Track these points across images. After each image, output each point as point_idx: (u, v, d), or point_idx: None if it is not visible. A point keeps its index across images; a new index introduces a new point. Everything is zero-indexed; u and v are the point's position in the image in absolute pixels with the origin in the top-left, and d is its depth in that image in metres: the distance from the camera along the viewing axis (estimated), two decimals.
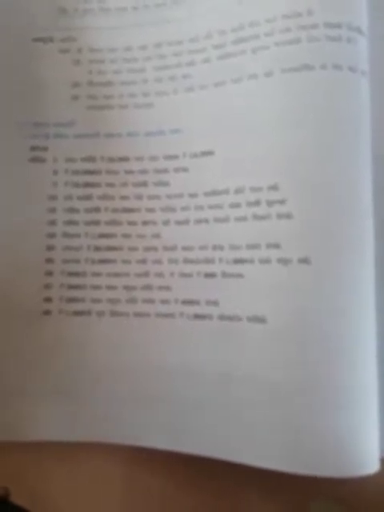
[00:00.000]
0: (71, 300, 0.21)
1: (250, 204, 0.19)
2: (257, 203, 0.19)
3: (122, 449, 0.19)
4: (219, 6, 0.21)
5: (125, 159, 0.21)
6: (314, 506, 0.19)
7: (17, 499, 0.19)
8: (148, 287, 0.20)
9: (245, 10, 0.20)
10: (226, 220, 0.19)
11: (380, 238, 0.19)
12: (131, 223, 0.21)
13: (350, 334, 0.17)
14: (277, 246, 0.18)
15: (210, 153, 0.20)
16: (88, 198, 0.21)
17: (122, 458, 0.20)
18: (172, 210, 0.20)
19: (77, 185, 0.21)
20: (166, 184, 0.21)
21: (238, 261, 0.19)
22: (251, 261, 0.19)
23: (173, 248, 0.20)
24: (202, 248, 0.20)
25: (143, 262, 0.20)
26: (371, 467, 0.17)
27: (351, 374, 0.17)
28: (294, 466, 0.17)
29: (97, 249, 0.21)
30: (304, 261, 0.18)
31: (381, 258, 0.18)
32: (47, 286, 0.21)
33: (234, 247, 0.19)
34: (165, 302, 0.20)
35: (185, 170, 0.20)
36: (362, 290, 0.18)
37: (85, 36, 0.22)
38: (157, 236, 0.20)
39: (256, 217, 0.19)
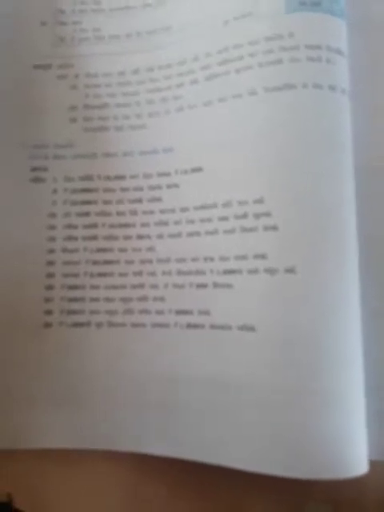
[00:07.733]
0: (71, 312, 0.21)
1: (237, 217, 0.20)
2: (244, 216, 0.20)
3: (122, 456, 0.20)
4: (205, 31, 0.22)
5: (121, 177, 0.22)
6: (307, 508, 0.19)
7: (18, 505, 0.20)
8: (144, 298, 0.21)
9: (229, 33, 0.21)
10: (215, 232, 0.20)
11: (363, 246, 0.19)
12: (127, 237, 0.21)
13: (336, 340, 0.18)
14: (263, 256, 0.19)
15: (199, 169, 0.21)
16: (86, 214, 0.22)
17: (122, 464, 0.20)
18: (165, 224, 0.21)
19: (75, 203, 0.22)
20: (159, 200, 0.21)
21: (227, 271, 0.20)
22: (240, 271, 0.19)
23: (166, 260, 0.21)
24: (194, 260, 0.20)
25: (139, 274, 0.21)
26: (360, 469, 0.17)
27: (338, 378, 0.18)
28: (284, 469, 0.17)
29: (95, 263, 0.22)
30: (290, 270, 0.18)
31: (364, 266, 0.19)
32: (48, 300, 0.21)
33: (223, 258, 0.20)
34: (160, 312, 0.20)
35: (176, 186, 0.21)
36: (347, 296, 0.18)
37: (81, 62, 0.23)
38: (151, 249, 0.21)
39: (243, 229, 0.20)
